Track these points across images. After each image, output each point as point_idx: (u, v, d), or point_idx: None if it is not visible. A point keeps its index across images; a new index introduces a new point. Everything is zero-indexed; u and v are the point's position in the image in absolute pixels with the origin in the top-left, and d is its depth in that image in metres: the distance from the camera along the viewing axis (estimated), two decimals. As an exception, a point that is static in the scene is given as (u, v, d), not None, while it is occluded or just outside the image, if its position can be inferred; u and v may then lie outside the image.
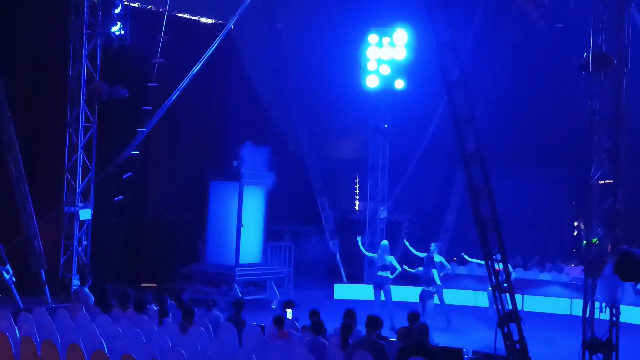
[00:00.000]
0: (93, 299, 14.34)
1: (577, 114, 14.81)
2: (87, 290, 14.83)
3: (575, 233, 25.75)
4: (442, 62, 11.93)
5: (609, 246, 12.20)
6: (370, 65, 22.12)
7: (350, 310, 11.96)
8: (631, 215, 15.70)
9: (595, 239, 12.30)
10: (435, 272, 17.18)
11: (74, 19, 17.79)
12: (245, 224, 19.93)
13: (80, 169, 17.79)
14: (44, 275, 17.16)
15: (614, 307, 11.89)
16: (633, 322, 17.50)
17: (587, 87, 12.46)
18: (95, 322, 11.75)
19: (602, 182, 12.34)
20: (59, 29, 18.40)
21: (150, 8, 21.29)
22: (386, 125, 22.81)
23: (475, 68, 20.18)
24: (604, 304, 12.12)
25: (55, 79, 18.87)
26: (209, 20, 23.08)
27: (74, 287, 16.46)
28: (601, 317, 12.03)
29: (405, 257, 20.00)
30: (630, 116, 12.30)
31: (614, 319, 11.81)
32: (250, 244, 20.19)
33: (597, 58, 12.21)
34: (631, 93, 12.32)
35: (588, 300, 12.00)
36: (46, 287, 17.09)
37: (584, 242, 12.47)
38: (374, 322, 10.51)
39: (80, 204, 17.70)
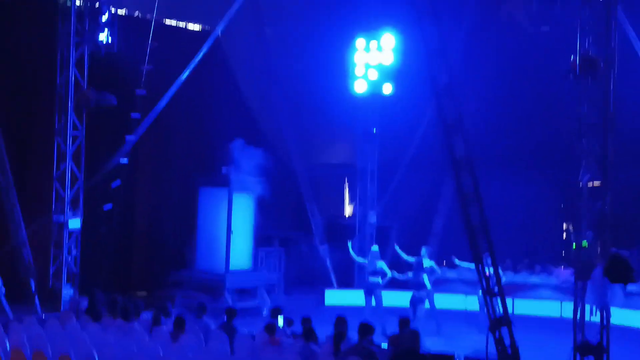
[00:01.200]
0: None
1: (566, 117, 14.86)
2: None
3: (565, 236, 25.82)
4: (431, 67, 11.96)
5: (598, 249, 12.25)
6: (358, 70, 22.14)
7: (341, 317, 11.94)
8: (620, 218, 15.77)
9: (584, 242, 12.34)
10: (425, 276, 17.17)
11: (61, 27, 17.78)
12: (235, 230, 19.90)
13: (69, 177, 17.75)
14: (33, 285, 17.08)
15: (605, 309, 11.93)
16: (624, 325, 17.55)
17: (575, 91, 12.51)
18: (85, 331, 11.70)
19: (590, 184, 12.39)
20: (46, 37, 18.36)
21: (138, 15, 21.27)
22: (375, 130, 22.82)
23: (464, 73, 20.25)
24: (594, 307, 12.16)
25: (42, 87, 18.81)
26: (197, 27, 23.06)
27: (64, 297, 16.42)
28: (592, 320, 12.07)
29: (395, 262, 20.00)
30: (618, 119, 12.36)
31: (605, 321, 11.85)
32: (240, 251, 20.16)
33: (584, 62, 12.26)
34: (619, 96, 12.37)
35: (578, 303, 12.04)
36: (36, 296, 17.01)
37: (574, 245, 12.51)
38: (365, 329, 10.50)
39: (70, 213, 17.66)
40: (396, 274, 17.78)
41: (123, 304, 13.31)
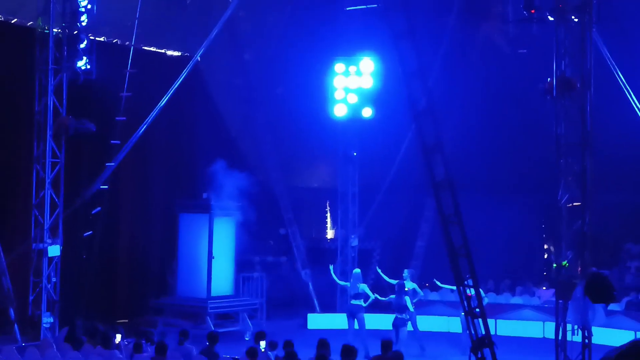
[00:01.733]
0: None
1: (545, 138, 14.95)
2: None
3: (546, 256, 25.92)
4: (410, 90, 12.02)
5: (579, 268, 12.30)
6: (338, 94, 22.20)
7: (323, 340, 11.90)
8: (600, 238, 15.85)
9: (565, 262, 12.39)
10: (407, 299, 17.16)
11: (39, 54, 17.74)
12: (216, 255, 19.84)
13: (48, 204, 17.63)
14: (12, 313, 16.91)
15: (586, 329, 11.96)
16: (605, 344, 17.53)
17: (552, 112, 12.62)
18: (66, 359, 11.59)
19: (570, 205, 12.46)
20: (24, 64, 18.30)
21: (116, 42, 21.27)
22: (355, 154, 22.85)
23: (443, 95, 20.35)
24: (575, 327, 12.19)
25: (21, 114, 18.73)
26: (176, 53, 23.09)
27: (45, 325, 16.25)
28: (574, 340, 12.09)
29: (377, 285, 19.99)
30: (596, 139, 12.47)
31: (586, 340, 11.89)
32: (222, 276, 20.10)
33: (561, 83, 12.38)
34: (597, 117, 12.49)
35: (560, 323, 12.07)
36: (15, 325, 16.84)
37: (554, 265, 12.56)
38: (348, 352, 10.48)
39: (49, 240, 17.52)
40: (379, 297, 17.76)
41: (104, 331, 13.23)
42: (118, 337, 13.69)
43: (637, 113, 18.22)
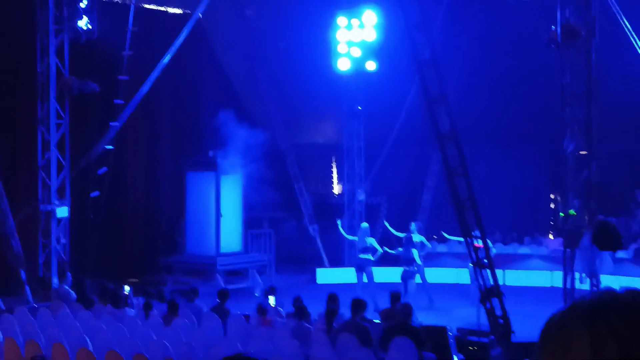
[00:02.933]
0: (74, 295, 14.28)
1: (548, 89, 14.90)
2: (66, 287, 14.76)
3: (552, 205, 25.94)
4: (413, 42, 11.95)
5: (586, 217, 12.33)
6: (341, 48, 22.06)
7: (332, 294, 11.99)
8: (606, 186, 15.85)
9: (572, 211, 12.42)
10: (415, 251, 17.20)
11: (40, 14, 17.63)
12: (224, 213, 19.91)
13: (54, 166, 17.67)
14: (23, 275, 17.04)
15: (594, 277, 12.03)
16: (613, 291, 17.64)
17: (557, 61, 12.55)
18: (77, 319, 11.70)
19: (576, 154, 12.45)
20: (24, 25, 18.20)
21: (117, 0, 21.13)
22: (360, 108, 22.79)
23: (446, 47, 20.20)
24: (584, 275, 12.26)
25: (24, 76, 18.67)
26: (177, 10, 22.93)
27: (55, 286, 16.38)
28: (582, 288, 12.17)
29: (385, 239, 20.05)
30: (601, 88, 12.42)
31: (595, 288, 11.95)
32: (230, 233, 20.18)
33: (565, 31, 12.29)
34: (602, 66, 12.42)
35: (568, 271, 12.14)
36: (26, 286, 16.97)
37: (561, 214, 12.59)
38: (358, 305, 10.55)
39: (57, 202, 17.59)
40: (387, 249, 17.83)
41: (113, 290, 13.35)
42: (127, 289, 13.84)
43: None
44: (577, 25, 12.38)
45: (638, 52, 18.15)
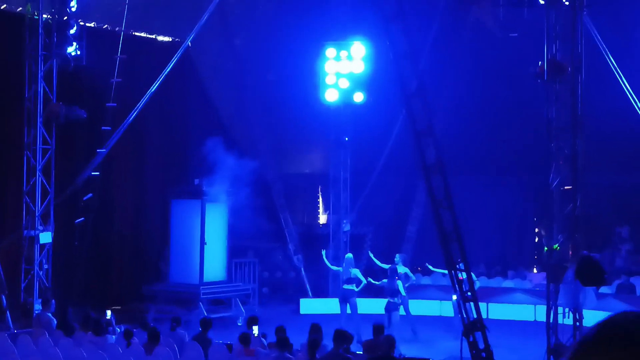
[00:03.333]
0: (55, 322, 14.16)
1: (535, 122, 14.99)
2: (49, 314, 14.64)
3: (537, 239, 26.00)
4: (400, 73, 12.01)
5: (570, 252, 12.35)
6: (329, 79, 22.16)
7: (315, 324, 11.93)
8: (591, 221, 15.89)
9: (556, 245, 12.44)
10: (400, 283, 17.19)
11: (29, 41, 17.63)
12: (209, 241, 19.83)
13: (39, 191, 17.58)
14: (5, 301, 16.88)
15: (577, 311, 12.02)
16: (596, 326, 17.63)
17: (543, 96, 12.64)
18: (58, 346, 11.60)
19: (561, 188, 12.50)
20: (13, 51, 18.22)
21: (106, 28, 21.17)
22: (347, 139, 22.84)
23: (433, 79, 20.32)
24: (567, 309, 12.25)
25: (11, 101, 18.66)
26: (166, 38, 23.00)
27: (36, 312, 16.24)
28: (565, 322, 12.16)
29: (370, 269, 20.01)
30: (586, 122, 12.49)
31: (577, 323, 11.95)
32: (214, 262, 20.09)
33: (552, 66, 12.39)
34: (587, 100, 12.51)
35: (551, 306, 12.13)
36: (7, 312, 16.81)
37: (545, 248, 12.61)
38: (341, 336, 10.49)
39: (40, 227, 17.49)
40: (372, 280, 17.80)
41: (95, 318, 13.24)
42: (108, 314, 13.74)
43: (628, 96, 18.24)
44: (564, 60, 12.49)
45: (623, 87, 18.33)
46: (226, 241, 20.50)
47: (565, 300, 12.02)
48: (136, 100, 18.90)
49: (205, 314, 17.57)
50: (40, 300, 16.58)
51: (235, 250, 21.38)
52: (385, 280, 17.50)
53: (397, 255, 18.43)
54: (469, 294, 11.59)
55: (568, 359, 1.57)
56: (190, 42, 20.24)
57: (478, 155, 23.88)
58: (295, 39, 22.93)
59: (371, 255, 19.53)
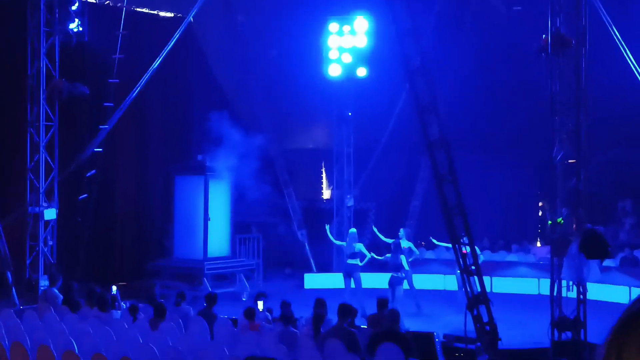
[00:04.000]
0: (61, 298, 14.23)
1: (538, 97, 14.95)
2: (55, 290, 14.71)
3: (540, 213, 26.03)
4: (404, 49, 11.98)
5: (574, 225, 12.36)
6: (332, 54, 22.10)
7: (320, 299, 11.98)
8: (594, 195, 15.90)
9: (559, 219, 12.44)
10: (403, 257, 17.23)
11: (31, 17, 17.61)
12: (212, 217, 19.87)
13: (43, 168, 17.63)
14: (10, 277, 16.97)
15: (581, 285, 12.05)
16: (600, 300, 17.72)
17: (547, 70, 12.58)
18: (63, 321, 11.66)
19: (565, 162, 12.49)
20: (15, 27, 18.18)
21: (108, 3, 21.09)
22: (350, 114, 22.81)
23: (437, 54, 20.26)
24: (571, 283, 12.28)
25: (13, 78, 18.63)
26: (168, 14, 22.91)
27: (42, 288, 16.33)
28: (569, 296, 12.19)
29: (373, 244, 20.06)
30: (590, 97, 12.46)
31: (581, 296, 11.98)
32: (218, 237, 20.15)
33: (556, 40, 12.33)
34: (591, 74, 12.46)
35: (555, 279, 12.16)
36: (13, 288, 16.91)
37: (549, 222, 12.61)
38: (345, 311, 10.55)
39: (45, 204, 17.55)
40: (375, 255, 17.85)
41: (100, 293, 13.31)
42: (114, 289, 13.82)
43: (633, 70, 18.19)
44: (568, 34, 12.43)
45: (627, 61, 18.27)
46: (230, 217, 20.54)
47: (569, 273, 12.04)
48: (138, 76, 18.87)
49: (210, 289, 17.66)
50: (46, 277, 16.66)
51: (238, 226, 21.43)
52: (388, 255, 17.55)
53: (401, 229, 18.44)
54: (473, 267, 11.63)
55: (618, 330, 1.58)
56: (193, 17, 20.17)
57: (481, 131, 23.87)
58: (298, 14, 22.84)
59: (375, 230, 19.55)
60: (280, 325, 11.12)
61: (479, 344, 11.96)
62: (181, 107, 23.40)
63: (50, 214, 17.53)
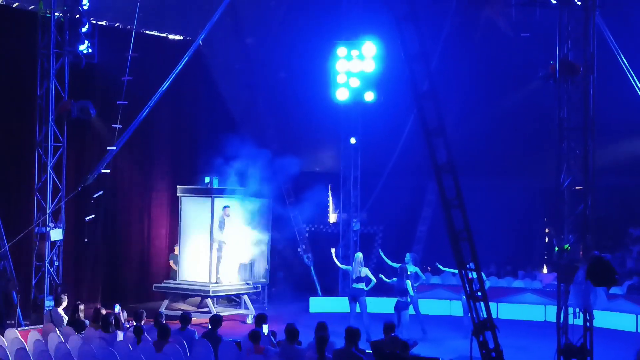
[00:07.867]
0: (66, 319, 14.22)
1: (546, 122, 14.95)
2: (61, 311, 14.71)
3: (547, 240, 25.95)
4: (412, 73, 11.98)
5: (581, 252, 12.31)
6: (340, 78, 22.16)
7: (321, 322, 11.93)
8: (601, 221, 15.85)
9: (566, 245, 12.40)
10: (409, 282, 17.20)
11: (41, 38, 17.76)
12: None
13: (50, 188, 17.69)
14: (15, 297, 16.97)
15: (588, 312, 11.98)
16: (606, 327, 17.64)
17: (555, 96, 12.59)
18: (68, 342, 11.64)
19: (572, 189, 12.47)
20: (26, 48, 18.32)
21: (118, 26, 21.22)
22: (357, 138, 22.79)
23: (445, 79, 20.30)
24: (577, 310, 12.21)
25: (23, 99, 18.73)
26: (177, 37, 23.03)
27: (48, 308, 16.32)
28: (575, 323, 12.12)
29: (379, 268, 20.01)
30: (598, 123, 12.44)
31: (588, 324, 11.91)
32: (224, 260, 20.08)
33: (564, 66, 12.34)
34: (599, 101, 12.46)
35: (561, 306, 12.10)
36: (18, 308, 16.90)
37: (556, 248, 12.57)
38: (353, 334, 10.51)
39: (51, 224, 17.58)
40: (383, 277, 17.82)
41: (105, 315, 13.29)
42: (118, 309, 13.79)
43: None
44: (576, 60, 12.44)
45: (635, 88, 18.29)
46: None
47: (575, 300, 11.98)
48: (147, 98, 18.96)
49: (215, 312, 17.62)
50: (51, 297, 16.66)
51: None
52: (395, 279, 17.53)
53: (408, 254, 18.41)
54: (479, 293, 11.57)
55: None
56: (202, 40, 20.28)
57: (488, 156, 23.85)
58: (306, 38, 22.93)
59: (382, 254, 19.51)
60: (285, 344, 11.10)
61: (484, 370, 11.87)
62: (189, 129, 23.47)
63: (56, 234, 17.56)
